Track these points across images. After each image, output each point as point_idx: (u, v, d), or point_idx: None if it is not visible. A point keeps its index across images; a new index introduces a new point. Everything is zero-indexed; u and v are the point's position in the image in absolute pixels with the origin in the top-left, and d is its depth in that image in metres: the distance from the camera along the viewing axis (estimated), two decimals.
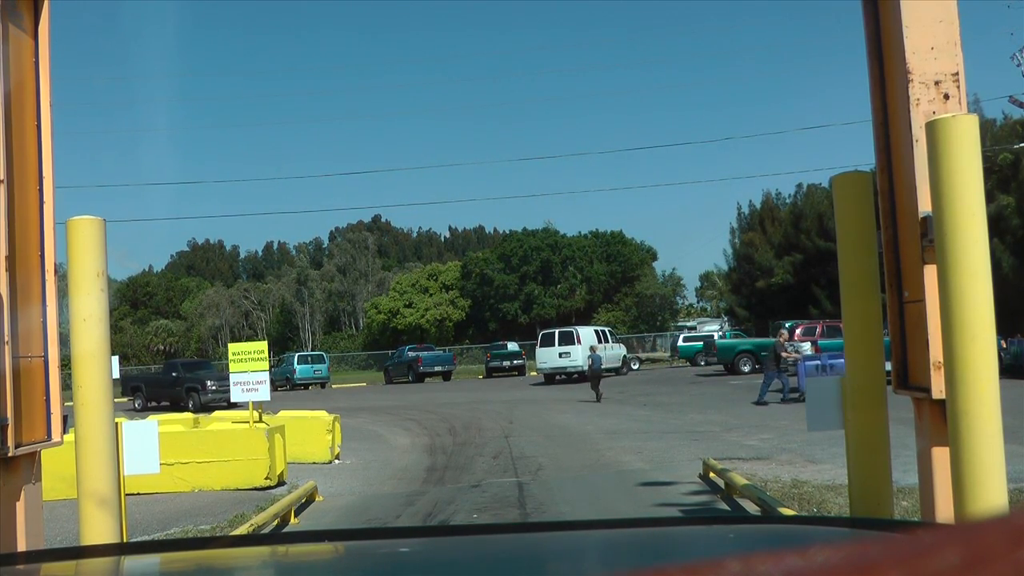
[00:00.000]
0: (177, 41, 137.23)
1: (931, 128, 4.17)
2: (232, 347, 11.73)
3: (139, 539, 8.00)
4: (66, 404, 5.28)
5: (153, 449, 5.94)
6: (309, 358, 51.49)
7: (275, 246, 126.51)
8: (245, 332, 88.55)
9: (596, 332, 39.39)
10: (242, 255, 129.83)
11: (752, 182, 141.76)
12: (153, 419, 13.54)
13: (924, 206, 4.54)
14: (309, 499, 10.47)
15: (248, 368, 11.31)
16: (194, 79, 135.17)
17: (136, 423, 6.15)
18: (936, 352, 4.43)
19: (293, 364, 49.67)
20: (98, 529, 5.10)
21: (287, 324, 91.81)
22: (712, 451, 13.57)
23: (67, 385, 5.20)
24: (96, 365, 5.49)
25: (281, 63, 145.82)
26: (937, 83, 4.67)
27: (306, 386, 48.90)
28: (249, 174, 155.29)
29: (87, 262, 5.59)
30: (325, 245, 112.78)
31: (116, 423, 5.94)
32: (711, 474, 10.53)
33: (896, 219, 5.11)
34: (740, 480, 9.28)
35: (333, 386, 49.94)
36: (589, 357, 27.92)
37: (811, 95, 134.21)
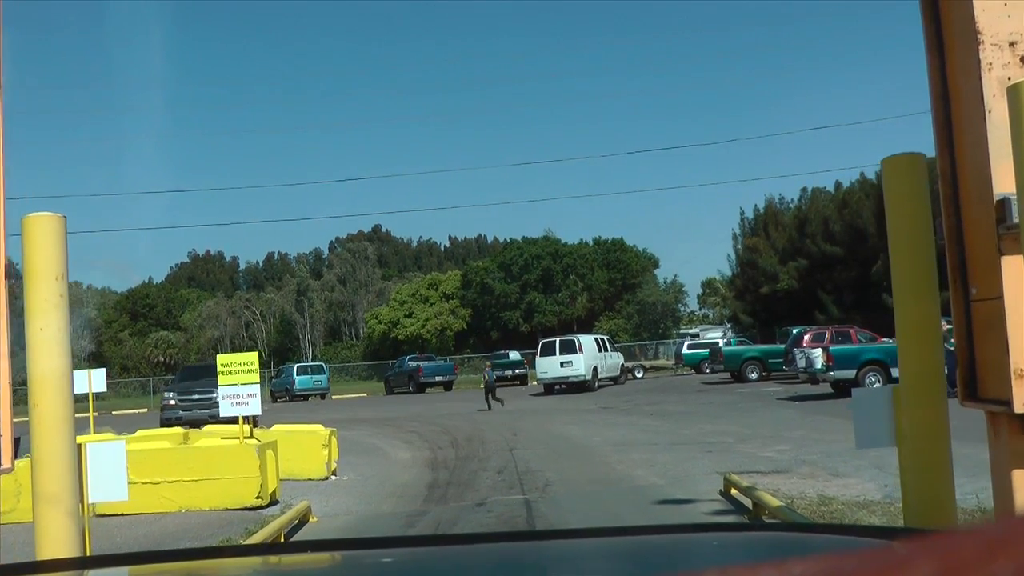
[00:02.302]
0: (175, 48, 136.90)
1: (1014, 94, 3.52)
2: (221, 359, 11.07)
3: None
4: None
5: (121, 473, 5.29)
6: (309, 369, 51.00)
7: (275, 257, 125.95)
8: (245, 343, 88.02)
9: (596, 340, 38.74)
10: (242, 266, 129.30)
11: (756, 187, 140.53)
12: (124, 438, 12.91)
13: (1000, 188, 3.90)
14: (302, 520, 9.81)
15: (238, 381, 10.66)
16: (194, 87, 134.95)
17: (102, 444, 5.50)
18: (1019, 358, 3.78)
19: (292, 375, 49.15)
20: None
21: (287, 335, 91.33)
22: (727, 464, 12.93)
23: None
24: (55, 380, 4.85)
25: (279, 70, 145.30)
26: (1012, 44, 4.03)
27: (306, 397, 48.43)
28: (247, 184, 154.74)
29: (44, 264, 4.95)
30: (325, 255, 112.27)
31: (79, 444, 5.33)
32: (732, 491, 9.83)
33: (960, 205, 4.46)
34: (772, 501, 8.50)
35: (333, 397, 49.38)
36: (485, 373, 33.36)
37: (818, 96, 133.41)
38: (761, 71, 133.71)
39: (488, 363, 37.13)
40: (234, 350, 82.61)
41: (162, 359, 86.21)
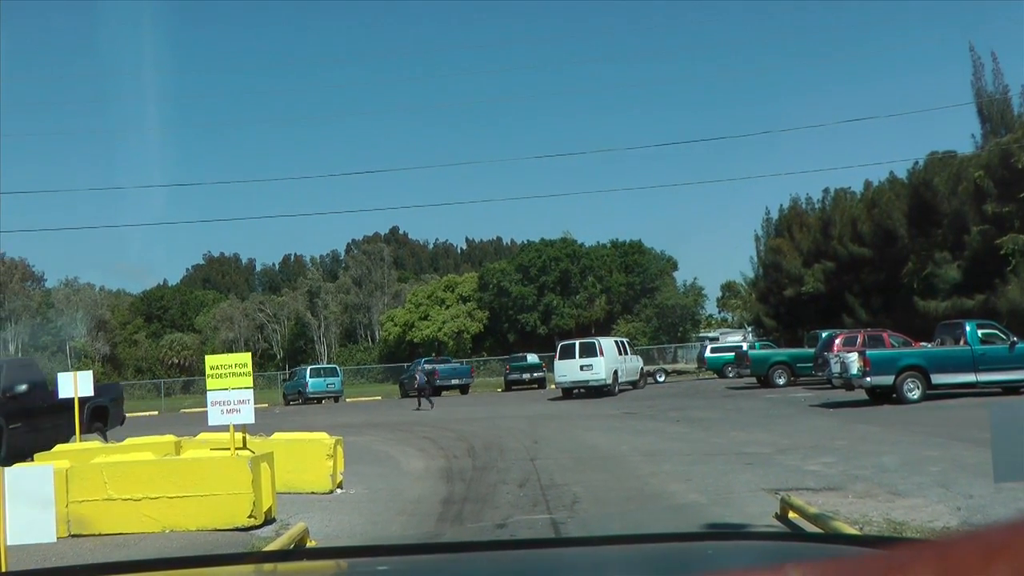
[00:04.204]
0: (184, 46, 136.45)
1: None
2: (210, 360, 9.88)
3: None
4: None
5: (47, 506, 4.14)
6: (322, 371, 49.92)
7: (292, 259, 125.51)
8: (260, 345, 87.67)
9: (616, 343, 37.49)
10: (258, 268, 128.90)
11: (777, 189, 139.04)
12: (111, 446, 11.73)
13: None
14: (298, 545, 8.65)
15: (229, 385, 9.51)
16: (200, 84, 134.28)
17: (24, 469, 4.35)
18: None
19: (305, 378, 48.13)
20: None
21: (302, 337, 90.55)
22: (771, 478, 11.77)
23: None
24: None
25: (286, 67, 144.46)
26: None
27: (319, 400, 47.43)
28: (267, 185, 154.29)
29: None
30: (342, 257, 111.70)
31: None
32: (791, 514, 8.59)
33: None
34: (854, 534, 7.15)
35: (347, 400, 48.33)
36: (416, 376, 36.48)
37: (851, 88, 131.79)
38: (786, 64, 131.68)
39: (420, 367, 39.91)
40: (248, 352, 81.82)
41: (176, 361, 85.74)
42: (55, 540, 4.37)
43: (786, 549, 2.35)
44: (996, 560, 0.47)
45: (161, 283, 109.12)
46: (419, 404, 32.95)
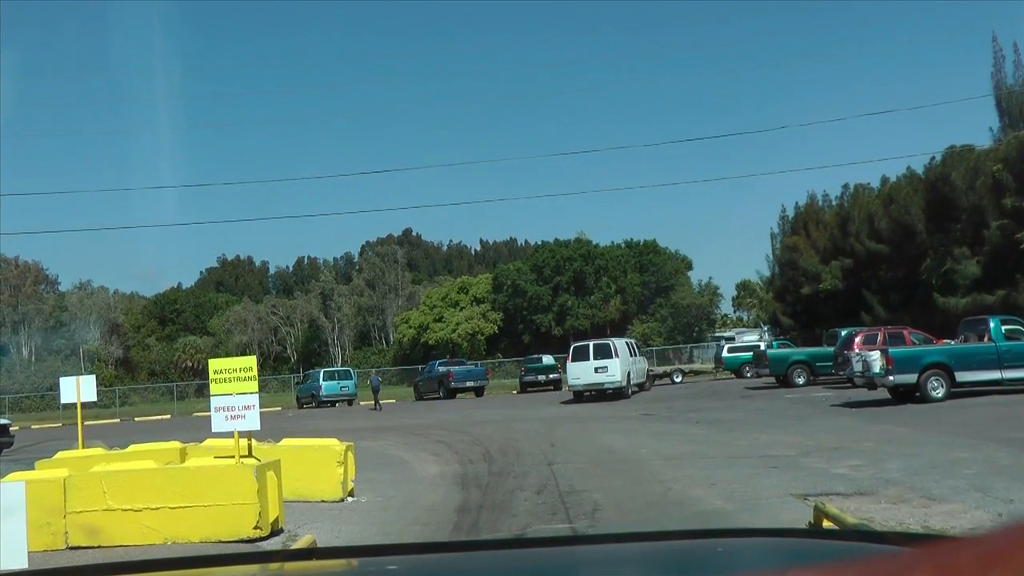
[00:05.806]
0: (197, 48, 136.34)
1: None
2: (213, 363, 9.48)
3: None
4: None
5: (18, 529, 3.72)
6: (336, 374, 49.51)
7: (305, 261, 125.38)
8: (274, 348, 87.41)
9: (627, 344, 36.85)
10: (272, 271, 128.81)
11: (793, 187, 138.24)
12: (114, 453, 11.32)
13: None
14: None
15: (233, 390, 9.11)
16: (211, 88, 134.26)
17: None
18: None
19: (319, 381, 47.74)
20: None
21: (316, 340, 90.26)
22: (798, 482, 11.33)
23: None
24: None
25: (303, 66, 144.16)
26: None
27: (333, 403, 46.98)
28: (280, 188, 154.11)
29: None
30: (356, 260, 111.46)
31: None
32: (825, 523, 8.12)
33: None
34: None
35: (361, 403, 47.88)
36: (371, 379, 42.28)
37: (868, 83, 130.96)
38: (801, 60, 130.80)
39: (374, 369, 48.05)
40: (262, 355, 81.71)
41: (190, 364, 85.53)
42: (27, 566, 3.96)
43: (795, 546, 2.30)
44: (996, 564, 0.47)
45: (175, 286, 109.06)
46: (377, 406, 39.72)
